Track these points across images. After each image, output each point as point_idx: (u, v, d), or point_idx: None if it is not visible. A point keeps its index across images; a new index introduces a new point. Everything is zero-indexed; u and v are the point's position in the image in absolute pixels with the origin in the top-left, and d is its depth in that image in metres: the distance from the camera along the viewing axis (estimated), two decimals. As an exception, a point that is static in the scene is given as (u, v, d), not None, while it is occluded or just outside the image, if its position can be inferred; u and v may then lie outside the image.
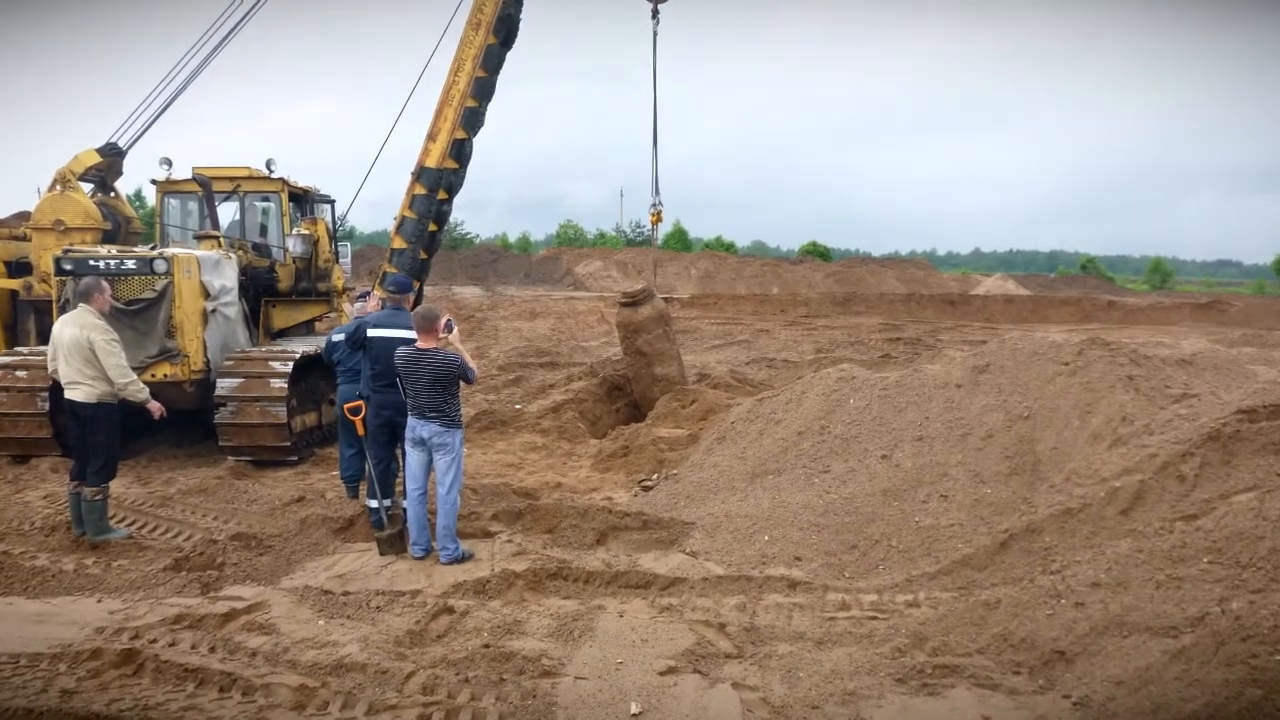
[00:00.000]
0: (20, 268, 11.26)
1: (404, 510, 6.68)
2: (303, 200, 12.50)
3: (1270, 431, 5.59)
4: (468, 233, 66.54)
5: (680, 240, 65.77)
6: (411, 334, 6.51)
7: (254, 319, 11.12)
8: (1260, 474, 5.31)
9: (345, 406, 7.34)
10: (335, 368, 8.06)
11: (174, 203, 11.94)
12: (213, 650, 4.70)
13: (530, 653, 4.64)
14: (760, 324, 28.37)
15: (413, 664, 4.52)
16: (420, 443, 6.34)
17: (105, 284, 7.14)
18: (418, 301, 11.53)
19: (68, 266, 9.15)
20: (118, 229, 11.13)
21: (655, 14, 12.75)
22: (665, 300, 14.23)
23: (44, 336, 9.80)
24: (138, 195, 42.08)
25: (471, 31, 11.68)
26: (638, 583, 5.76)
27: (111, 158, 11.38)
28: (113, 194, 11.56)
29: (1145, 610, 4.16)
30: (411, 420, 6.36)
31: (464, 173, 12.14)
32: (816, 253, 64.85)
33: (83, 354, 6.71)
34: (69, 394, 6.83)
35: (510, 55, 12.09)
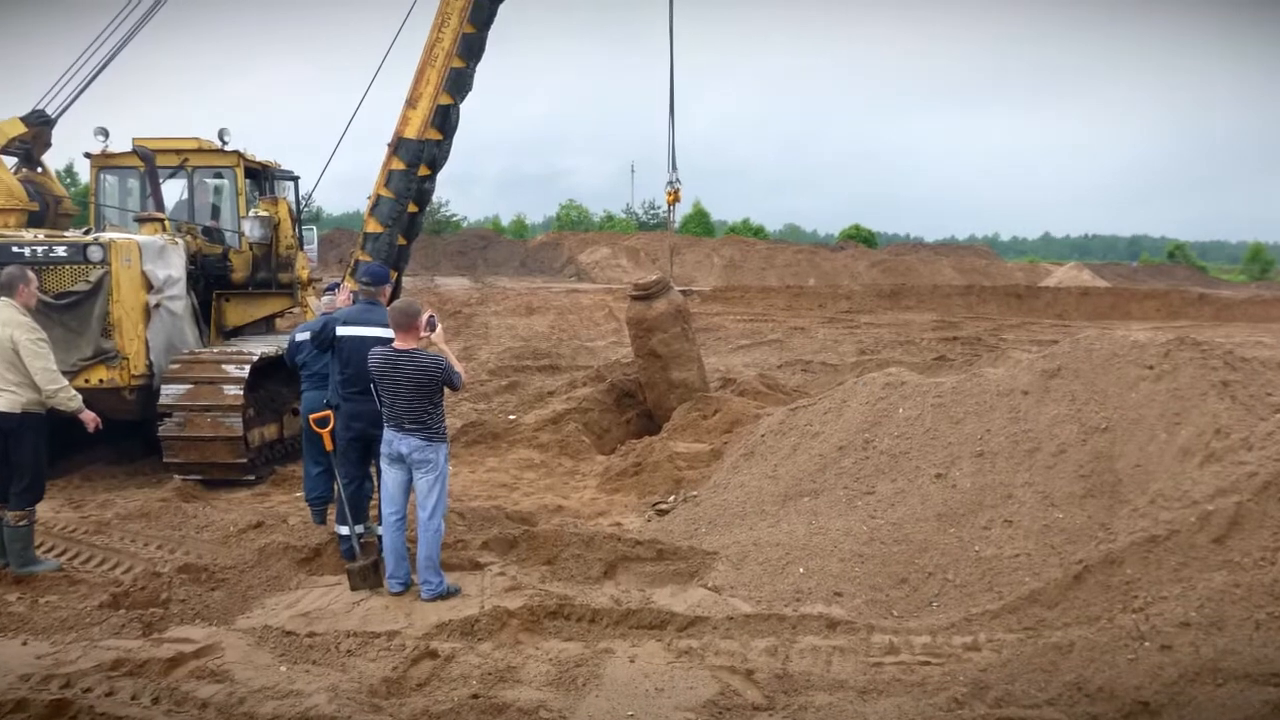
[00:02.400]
0: None
1: (379, 538, 6.71)
2: (261, 177, 12.57)
3: (1393, 446, 5.56)
4: (454, 214, 66.97)
5: (701, 223, 65.95)
6: (388, 332, 6.53)
7: (204, 315, 11.18)
8: (1380, 496, 5.28)
9: (311, 417, 7.38)
10: (299, 372, 8.10)
11: (111, 180, 12.03)
12: (156, 701, 4.73)
13: (526, 704, 4.66)
14: (794, 321, 28.36)
15: (390, 717, 4.55)
16: (398, 459, 6.37)
17: (31, 274, 7.19)
18: (395, 295, 11.58)
19: (-11, 255, 9.22)
20: (46, 210, 11.20)
21: None
22: (684, 293, 14.26)
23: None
24: (69, 171, 42.56)
25: (458, -18, 11.72)
26: (651, 622, 5.77)
27: (38, 127, 11.43)
28: (40, 169, 11.63)
29: (1243, 654, 4.15)
30: (388, 433, 6.38)
31: (449, 145, 12.18)
32: (860, 238, 64.82)
33: (5, 356, 6.75)
34: (-10, 403, 6.88)
35: (503, 9, 12.14)
